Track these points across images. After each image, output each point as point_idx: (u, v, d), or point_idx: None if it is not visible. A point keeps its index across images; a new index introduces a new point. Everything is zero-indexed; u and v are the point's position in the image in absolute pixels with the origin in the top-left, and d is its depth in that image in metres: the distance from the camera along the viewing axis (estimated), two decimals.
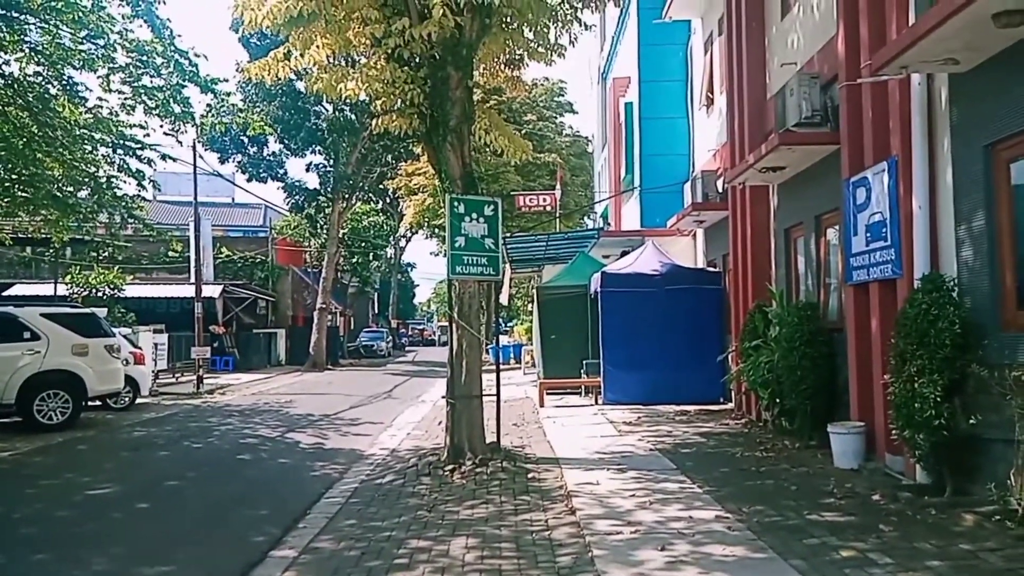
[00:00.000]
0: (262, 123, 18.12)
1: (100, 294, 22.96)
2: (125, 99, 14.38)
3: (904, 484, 6.64)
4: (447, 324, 9.11)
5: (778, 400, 9.35)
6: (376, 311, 60.56)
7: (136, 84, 14.25)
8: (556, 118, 36.77)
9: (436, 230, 36.67)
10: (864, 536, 5.24)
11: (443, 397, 9.27)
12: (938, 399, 6.03)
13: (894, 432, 6.61)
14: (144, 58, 14.12)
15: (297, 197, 30.73)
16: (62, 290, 23.57)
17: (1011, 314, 5.87)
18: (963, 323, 6.06)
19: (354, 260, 38.70)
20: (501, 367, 9.99)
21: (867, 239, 7.58)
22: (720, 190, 13.05)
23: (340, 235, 33.47)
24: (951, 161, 6.40)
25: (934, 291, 6.25)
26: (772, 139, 9.04)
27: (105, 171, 15.33)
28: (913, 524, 5.51)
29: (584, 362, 14.32)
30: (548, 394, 14.21)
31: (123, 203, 15.85)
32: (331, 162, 31.54)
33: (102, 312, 16.00)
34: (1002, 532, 5.18)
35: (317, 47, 8.51)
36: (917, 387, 6.13)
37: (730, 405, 12.35)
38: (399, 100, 8.65)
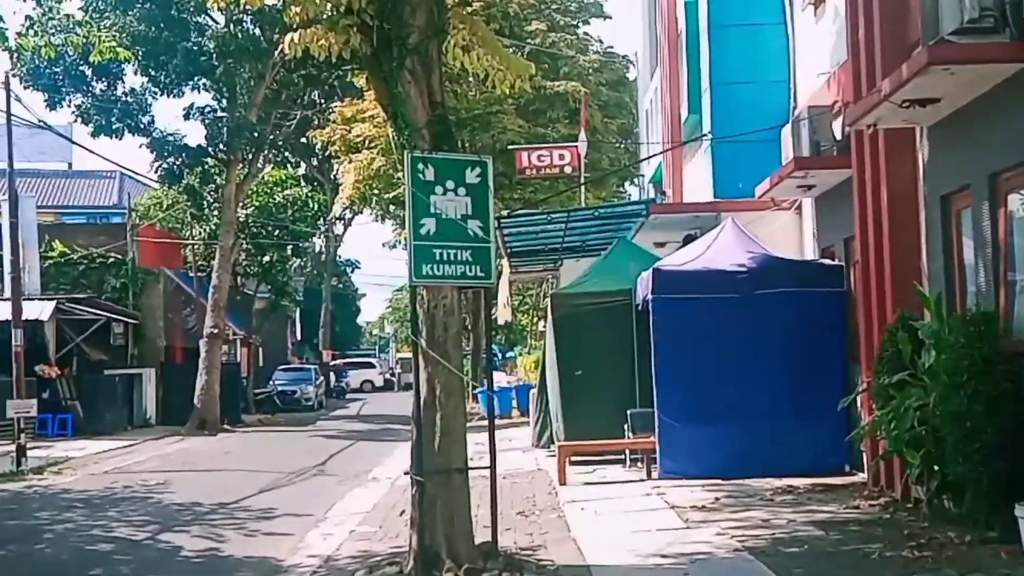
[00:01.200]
0: (114, 44, 18.13)
1: None
2: None
3: None
4: (410, 357, 9.11)
5: (936, 467, 9.32)
6: (299, 337, 60.56)
7: None
8: (577, 28, 36.86)
9: (391, 208, 36.68)
10: None
11: (406, 473, 9.25)
12: None
13: None
14: None
15: (171, 159, 30.74)
16: None
17: None
18: None
19: (263, 258, 38.74)
20: (497, 422, 9.99)
21: None
22: (839, 137, 13.05)
23: (240, 219, 33.49)
24: None
25: None
26: (919, 55, 9.04)
27: None
28: None
29: (629, 413, 14.31)
30: (572, 464, 14.13)
31: None
32: (224, 104, 31.55)
33: None
34: None
35: None
36: None
37: (861, 477, 12.32)
38: (328, 4, 8.66)
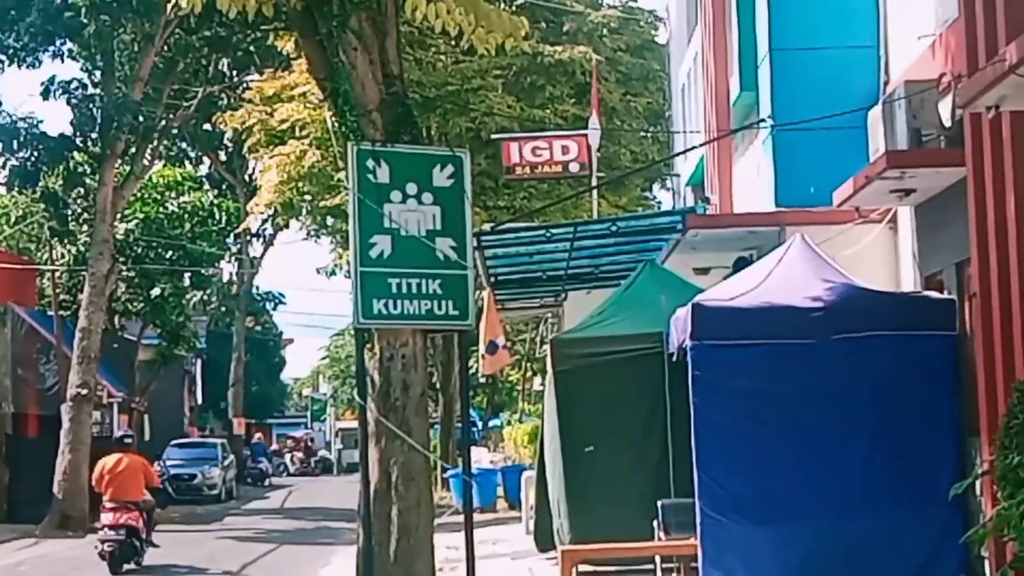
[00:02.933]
0: None
1: None
2: None
3: None
4: (356, 427, 9.09)
5: None
6: (200, 400, 60.35)
7: None
8: None
9: (328, 220, 36.66)
10: None
11: None
12: None
13: None
14: None
15: (23, 154, 30.77)
16: None
17: None
18: None
19: (151, 291, 38.69)
20: (477, 517, 9.98)
21: None
22: (948, 123, 13.12)
23: (119, 236, 33.39)
24: None
25: None
26: None
27: None
28: None
29: (660, 505, 14.29)
30: None
31: None
32: (98, 77, 31.57)
33: None
34: None
35: None
36: None
37: None
38: None
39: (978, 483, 11.89)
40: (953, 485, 12.02)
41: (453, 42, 10.09)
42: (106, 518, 20.49)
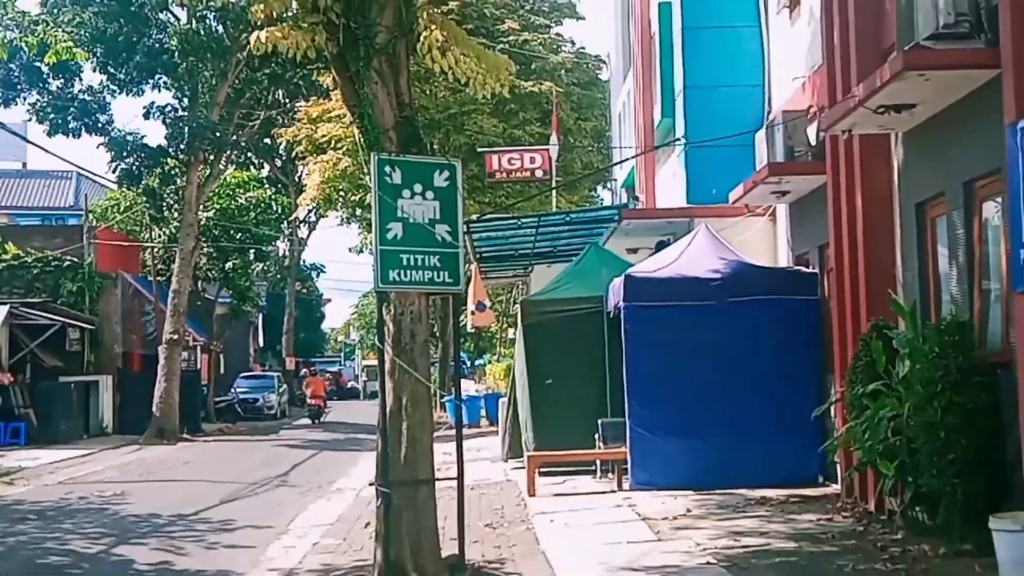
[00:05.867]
0: (70, 44, 18.04)
1: None
2: None
3: None
4: (376, 364, 9.13)
5: (910, 479, 9.42)
6: (262, 344, 60.24)
7: None
8: (550, 27, 36.96)
9: (357, 211, 36.60)
10: None
11: (371, 484, 9.25)
12: None
13: None
14: None
15: (130, 159, 30.57)
16: None
17: None
18: None
19: (225, 262, 38.54)
20: (465, 431, 10.01)
21: None
22: (814, 142, 13.18)
23: (201, 221, 33.30)
24: None
25: None
26: (894, 60, 9.15)
27: None
28: None
29: (600, 423, 14.38)
30: (542, 475, 14.20)
31: None
32: (185, 103, 31.36)
33: None
34: None
35: None
36: None
37: (835, 488, 12.43)
38: (293, 1, 8.67)
39: (833, 408, 12.02)
40: (815, 409, 12.16)
41: (454, 80, 10.03)
42: (310, 401, 37.10)
